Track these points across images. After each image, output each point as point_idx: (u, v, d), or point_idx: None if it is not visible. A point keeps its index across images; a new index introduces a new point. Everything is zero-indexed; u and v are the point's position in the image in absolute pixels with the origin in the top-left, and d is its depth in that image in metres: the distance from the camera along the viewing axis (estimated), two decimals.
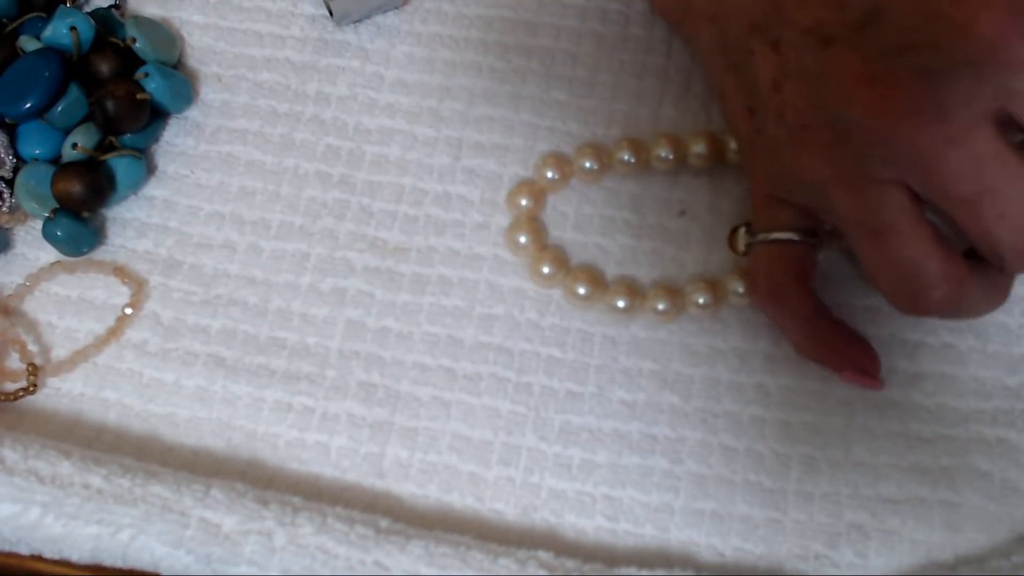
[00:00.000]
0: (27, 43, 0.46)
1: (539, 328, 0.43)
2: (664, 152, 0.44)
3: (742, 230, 0.42)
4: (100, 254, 0.45)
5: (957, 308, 0.36)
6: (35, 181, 0.45)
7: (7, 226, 0.45)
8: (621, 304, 0.42)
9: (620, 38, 0.47)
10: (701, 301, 0.42)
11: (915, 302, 0.36)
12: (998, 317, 0.42)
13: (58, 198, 0.44)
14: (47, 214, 0.44)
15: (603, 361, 0.42)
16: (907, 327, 0.42)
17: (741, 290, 0.42)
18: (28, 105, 0.44)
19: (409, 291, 0.44)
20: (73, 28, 0.46)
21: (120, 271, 0.44)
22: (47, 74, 0.44)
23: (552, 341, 0.43)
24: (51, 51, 0.45)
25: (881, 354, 0.41)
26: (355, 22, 0.49)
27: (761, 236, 0.40)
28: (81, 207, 0.44)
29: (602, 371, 0.42)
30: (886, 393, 0.41)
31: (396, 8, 0.49)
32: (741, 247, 0.42)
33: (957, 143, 0.33)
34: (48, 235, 0.44)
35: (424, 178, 0.46)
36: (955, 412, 0.41)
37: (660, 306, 0.42)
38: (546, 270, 0.43)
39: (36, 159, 0.45)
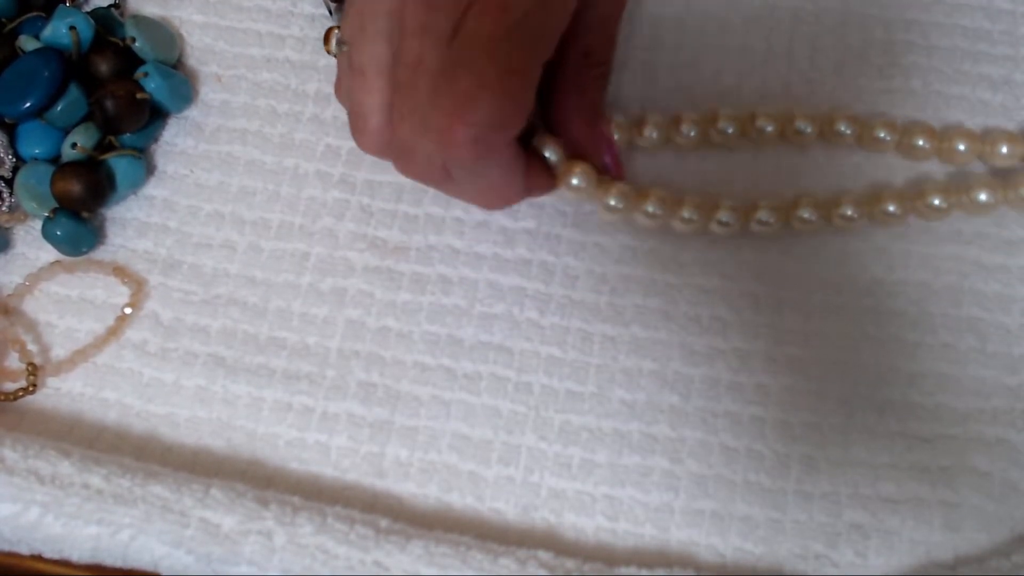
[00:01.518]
0: (27, 43, 0.46)
1: (539, 327, 0.43)
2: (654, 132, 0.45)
3: (336, 32, 0.42)
4: (100, 254, 0.45)
5: (398, 160, 0.40)
6: (35, 181, 0.45)
7: (7, 225, 0.45)
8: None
9: (619, 37, 0.47)
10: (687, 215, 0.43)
11: (355, 135, 0.40)
12: (997, 317, 0.42)
13: (58, 198, 0.44)
14: (47, 214, 0.44)
15: (603, 360, 0.42)
16: (907, 327, 0.42)
17: (726, 218, 0.43)
18: (28, 105, 0.44)
19: (409, 290, 0.44)
20: (72, 27, 0.46)
21: (120, 271, 0.44)
22: (47, 74, 0.44)
23: (552, 340, 0.43)
24: (51, 51, 0.45)
25: (880, 354, 0.41)
26: None
27: (345, 47, 0.40)
28: (81, 207, 0.44)
29: (602, 370, 0.42)
30: (886, 393, 0.41)
31: None
32: (332, 50, 0.42)
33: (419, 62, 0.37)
34: (48, 235, 0.44)
35: None
36: (955, 412, 0.41)
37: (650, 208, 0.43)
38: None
39: (36, 159, 0.45)
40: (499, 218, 0.45)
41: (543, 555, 0.37)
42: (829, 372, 0.41)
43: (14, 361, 0.43)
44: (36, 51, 0.45)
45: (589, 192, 0.42)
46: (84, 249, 0.45)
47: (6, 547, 0.39)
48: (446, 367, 0.42)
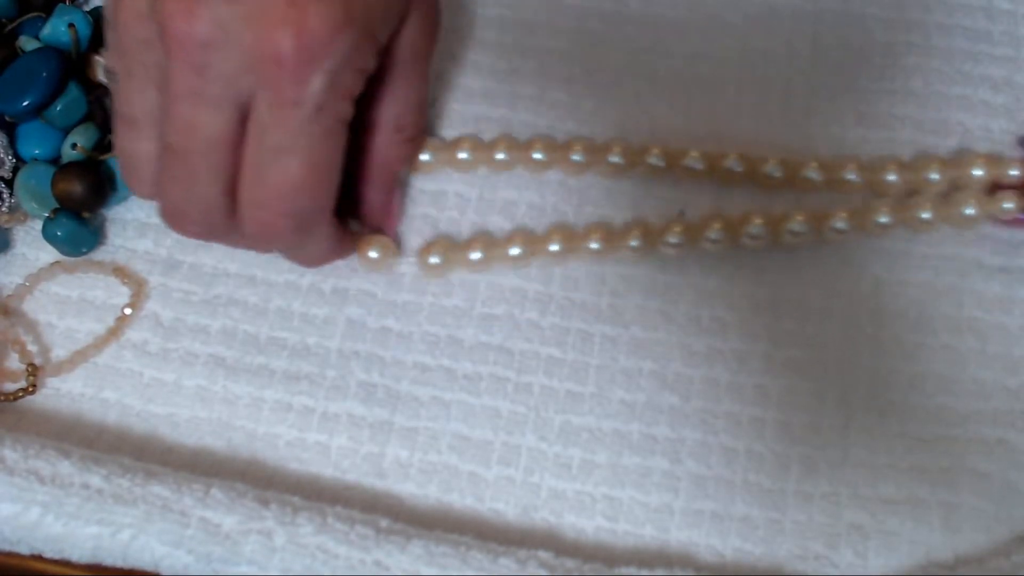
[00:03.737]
0: (27, 43, 0.46)
1: (539, 328, 0.43)
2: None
3: (101, 60, 0.44)
4: (100, 254, 0.45)
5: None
6: (35, 181, 0.44)
7: (7, 226, 0.45)
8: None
9: (619, 38, 0.48)
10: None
11: (130, 182, 0.40)
12: (998, 318, 0.42)
13: (59, 198, 0.44)
14: (47, 214, 0.44)
15: (603, 361, 0.42)
16: (907, 329, 0.42)
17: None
18: (26, 103, 0.44)
19: (409, 291, 0.44)
20: (71, 25, 0.46)
21: (120, 271, 0.44)
22: (45, 73, 0.44)
23: (552, 341, 0.43)
24: (50, 50, 0.45)
25: (882, 355, 0.42)
26: None
27: (115, 78, 0.40)
28: (81, 207, 0.44)
29: (602, 371, 0.42)
30: (885, 394, 0.41)
31: None
32: (100, 77, 0.44)
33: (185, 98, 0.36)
34: (48, 235, 0.44)
35: (422, 178, 0.46)
36: (954, 413, 0.41)
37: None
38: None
39: (36, 159, 0.45)
40: (498, 220, 0.45)
41: (543, 555, 0.37)
42: (828, 373, 0.41)
43: (14, 361, 0.43)
44: (36, 50, 0.45)
45: (385, 263, 0.44)
46: (84, 249, 0.45)
47: (6, 547, 0.38)
48: (446, 368, 0.42)
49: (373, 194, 0.43)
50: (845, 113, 0.46)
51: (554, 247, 0.43)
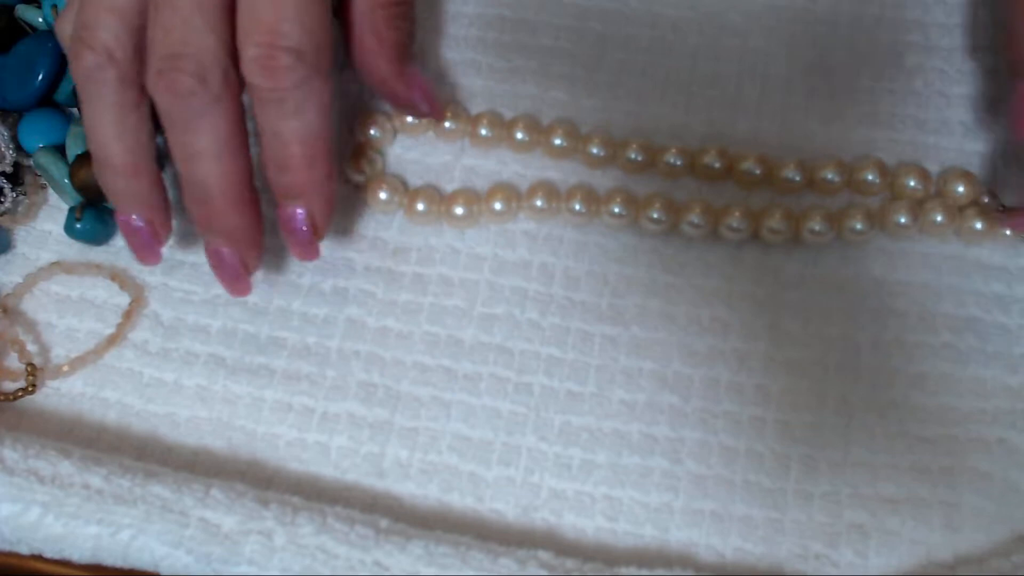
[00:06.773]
0: (24, 11, 0.46)
1: (539, 328, 0.43)
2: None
3: None
4: (102, 254, 0.45)
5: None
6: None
7: (8, 227, 0.45)
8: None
9: (620, 37, 0.48)
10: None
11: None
12: (998, 318, 0.42)
13: (80, 189, 0.43)
14: (73, 205, 0.44)
15: (603, 361, 0.42)
16: (907, 329, 0.42)
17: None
18: (31, 90, 0.44)
19: (410, 291, 0.44)
20: (54, 7, 0.45)
21: (119, 277, 0.44)
22: (45, 57, 0.44)
23: (552, 341, 0.43)
24: (45, 33, 0.45)
25: (881, 355, 0.41)
26: None
27: None
28: (102, 197, 0.43)
29: (602, 371, 0.42)
30: (886, 393, 0.41)
31: None
32: None
33: None
34: (70, 230, 0.44)
35: (423, 177, 0.46)
36: (955, 412, 0.40)
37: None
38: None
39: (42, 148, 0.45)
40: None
41: (543, 555, 0.37)
42: (829, 373, 0.41)
43: (14, 361, 0.43)
44: (31, 37, 0.45)
45: (398, 203, 0.45)
46: (105, 240, 0.45)
47: (6, 547, 0.38)
48: (446, 368, 0.42)
49: (379, 66, 0.42)
50: (847, 113, 0.46)
51: (539, 203, 0.44)
